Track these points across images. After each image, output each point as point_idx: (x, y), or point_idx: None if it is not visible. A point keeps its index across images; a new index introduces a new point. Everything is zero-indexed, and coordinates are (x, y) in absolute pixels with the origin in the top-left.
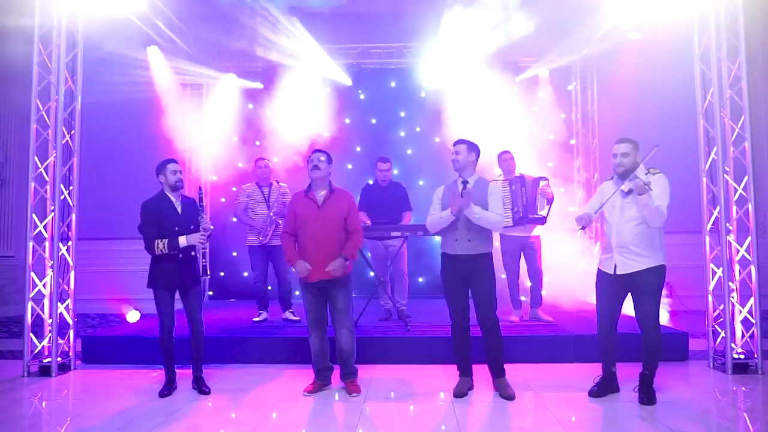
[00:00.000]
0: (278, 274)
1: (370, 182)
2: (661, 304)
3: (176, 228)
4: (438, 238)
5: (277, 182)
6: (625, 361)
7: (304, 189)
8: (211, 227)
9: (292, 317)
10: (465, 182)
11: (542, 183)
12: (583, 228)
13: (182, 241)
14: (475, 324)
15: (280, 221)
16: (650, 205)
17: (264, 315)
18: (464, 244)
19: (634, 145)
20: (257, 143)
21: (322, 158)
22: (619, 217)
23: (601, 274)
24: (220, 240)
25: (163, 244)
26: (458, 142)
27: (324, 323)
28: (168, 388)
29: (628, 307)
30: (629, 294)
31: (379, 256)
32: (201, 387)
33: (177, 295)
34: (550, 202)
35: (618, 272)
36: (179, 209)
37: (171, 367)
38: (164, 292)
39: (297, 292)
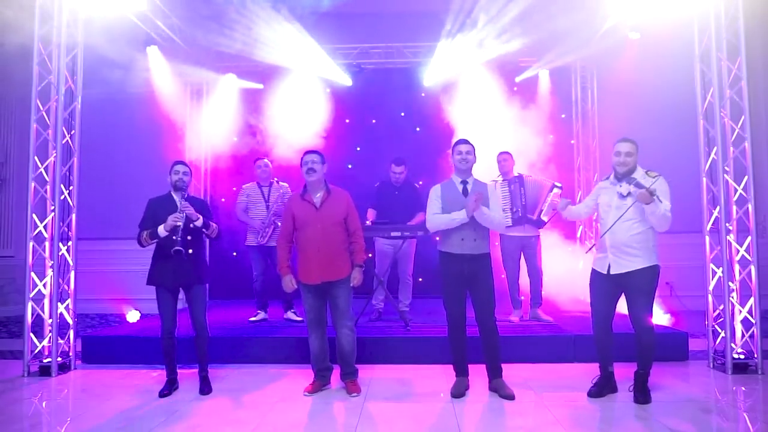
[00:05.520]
0: (278, 274)
1: (377, 184)
2: (655, 304)
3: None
4: (437, 238)
5: (278, 181)
6: (621, 360)
7: (299, 192)
8: (188, 210)
9: (294, 317)
10: (465, 182)
11: (556, 190)
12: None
13: (160, 229)
14: (471, 324)
15: (279, 222)
16: (657, 213)
17: (261, 315)
18: (470, 243)
19: (636, 146)
20: (257, 143)
21: (316, 160)
22: (616, 217)
23: (594, 273)
24: (220, 240)
25: (147, 233)
26: (465, 141)
27: (324, 324)
28: (168, 388)
29: (622, 307)
30: (623, 294)
31: (385, 255)
32: (202, 387)
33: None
34: (556, 209)
35: (612, 272)
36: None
37: (172, 368)
38: (164, 291)
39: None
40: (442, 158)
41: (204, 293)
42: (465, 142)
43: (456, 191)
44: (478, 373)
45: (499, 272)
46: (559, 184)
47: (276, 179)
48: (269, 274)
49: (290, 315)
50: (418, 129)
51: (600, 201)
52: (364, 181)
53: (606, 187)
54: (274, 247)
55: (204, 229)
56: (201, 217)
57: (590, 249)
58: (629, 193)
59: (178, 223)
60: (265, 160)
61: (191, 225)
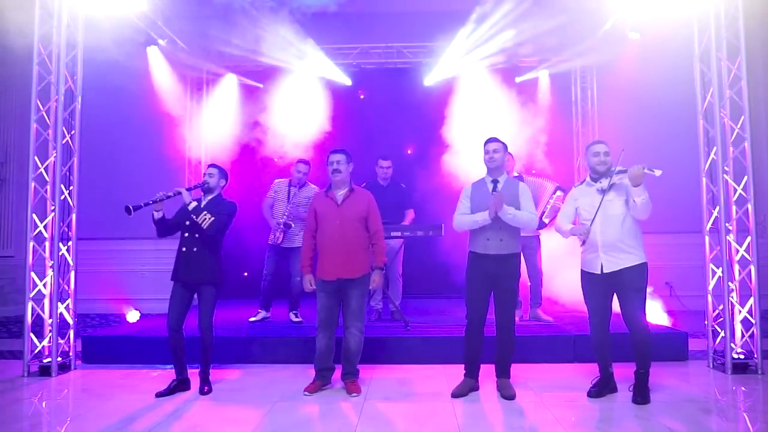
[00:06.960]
0: (289, 275)
1: (363, 185)
2: (654, 303)
3: (187, 222)
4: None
5: (310, 184)
6: (620, 360)
7: (325, 189)
8: (176, 193)
9: (294, 318)
10: (495, 181)
11: (558, 193)
12: (584, 242)
13: (155, 213)
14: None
15: (293, 224)
16: (644, 197)
17: (262, 315)
18: (496, 244)
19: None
20: (257, 143)
21: (342, 160)
22: (602, 216)
23: (586, 275)
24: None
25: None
26: (494, 140)
27: (334, 325)
28: (168, 389)
29: (616, 306)
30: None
31: None
32: (202, 387)
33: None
34: (557, 212)
35: (605, 271)
36: (202, 205)
37: (180, 367)
38: (176, 286)
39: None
40: (441, 158)
41: (210, 295)
42: (494, 140)
43: (486, 190)
44: (480, 373)
45: None
46: (562, 188)
47: (309, 182)
48: (279, 276)
49: (291, 316)
50: (418, 129)
51: (579, 204)
52: (363, 181)
53: (583, 189)
54: (288, 249)
55: (193, 215)
56: (194, 202)
57: (583, 243)
58: (611, 186)
59: (159, 194)
60: (306, 166)
61: (194, 219)
